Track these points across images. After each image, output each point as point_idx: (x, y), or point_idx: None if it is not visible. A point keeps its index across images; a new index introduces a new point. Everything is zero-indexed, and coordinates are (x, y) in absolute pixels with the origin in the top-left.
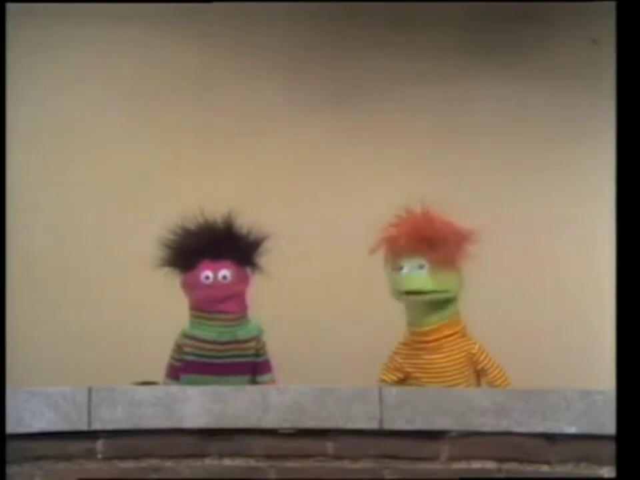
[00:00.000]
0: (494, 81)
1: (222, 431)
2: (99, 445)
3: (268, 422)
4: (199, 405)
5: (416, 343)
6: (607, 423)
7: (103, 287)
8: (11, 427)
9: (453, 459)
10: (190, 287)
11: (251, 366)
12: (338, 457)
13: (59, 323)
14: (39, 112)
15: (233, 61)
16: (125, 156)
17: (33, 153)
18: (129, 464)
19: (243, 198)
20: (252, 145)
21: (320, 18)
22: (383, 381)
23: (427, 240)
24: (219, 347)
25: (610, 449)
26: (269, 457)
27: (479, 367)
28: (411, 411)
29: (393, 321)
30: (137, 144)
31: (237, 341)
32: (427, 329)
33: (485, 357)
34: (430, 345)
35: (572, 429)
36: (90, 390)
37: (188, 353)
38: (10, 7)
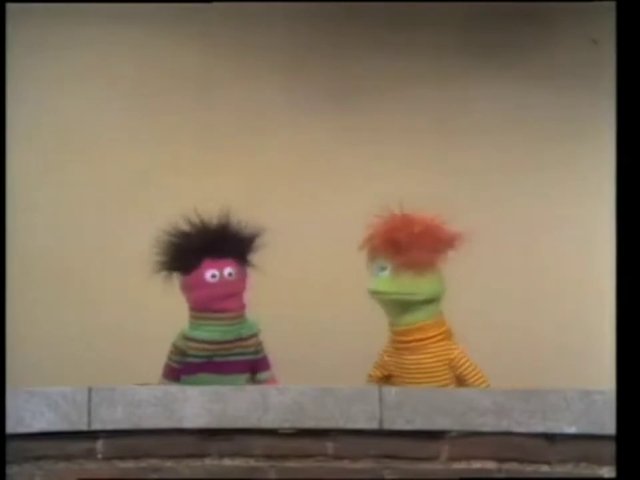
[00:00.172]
0: (494, 80)
1: (222, 431)
2: (99, 445)
3: (268, 422)
4: (199, 405)
5: (396, 343)
6: (607, 423)
7: (103, 287)
8: (11, 427)
9: (453, 458)
10: (192, 287)
11: (251, 363)
12: (338, 457)
13: (58, 323)
14: (38, 112)
15: (232, 61)
16: (125, 156)
17: (33, 153)
18: (129, 464)
19: (242, 198)
20: (252, 145)
21: (320, 18)
22: (370, 376)
23: (393, 243)
24: (224, 346)
25: (610, 449)
26: (268, 456)
27: (457, 372)
28: (410, 411)
29: None
30: (137, 144)
31: (239, 339)
32: (403, 328)
33: (464, 363)
34: (409, 345)
35: (572, 429)
36: (90, 390)
37: (189, 355)
38: (10, 6)
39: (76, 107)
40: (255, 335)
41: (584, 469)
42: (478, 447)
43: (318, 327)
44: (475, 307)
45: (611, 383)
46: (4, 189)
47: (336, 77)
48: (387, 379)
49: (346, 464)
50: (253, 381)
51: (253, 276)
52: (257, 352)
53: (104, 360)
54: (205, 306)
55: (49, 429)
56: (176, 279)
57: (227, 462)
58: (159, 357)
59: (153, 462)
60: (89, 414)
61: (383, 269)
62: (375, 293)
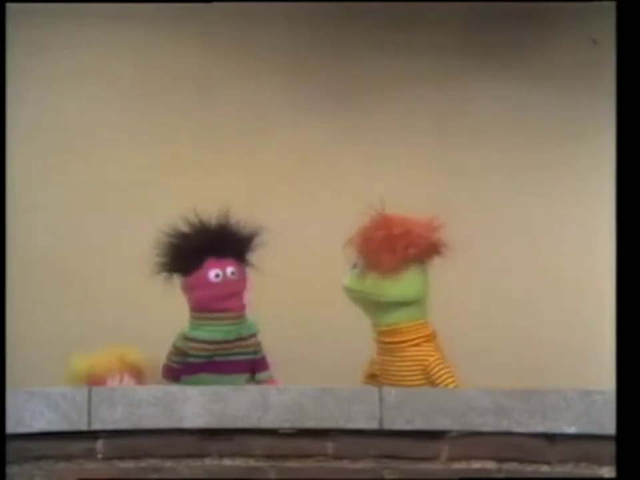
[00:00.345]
0: (494, 80)
1: (222, 430)
2: (99, 445)
3: (268, 422)
4: (199, 405)
5: (378, 343)
6: (607, 423)
7: (103, 287)
8: (11, 427)
9: (453, 458)
10: (195, 287)
11: (250, 363)
12: (338, 457)
13: (58, 323)
14: (39, 112)
15: (233, 61)
16: (125, 156)
17: (33, 153)
18: (129, 464)
19: (242, 198)
20: (252, 145)
21: (320, 18)
22: (364, 371)
23: (367, 242)
24: (224, 346)
25: (610, 449)
26: (269, 456)
27: (431, 379)
28: (410, 411)
29: None
30: (137, 144)
31: (240, 339)
32: (380, 329)
33: (438, 371)
34: (386, 346)
35: (572, 429)
36: (90, 390)
37: (189, 355)
38: (10, 6)
39: (76, 107)
40: (254, 335)
41: (584, 469)
42: (478, 446)
43: (318, 327)
44: (475, 307)
45: (611, 383)
46: (4, 189)
47: (336, 77)
48: (375, 377)
49: (346, 464)
50: (252, 381)
51: (252, 276)
52: (256, 352)
53: None
54: (206, 306)
55: (49, 429)
56: (176, 279)
57: (227, 462)
58: (159, 357)
59: (153, 462)
60: (89, 414)
61: (355, 266)
62: (344, 289)
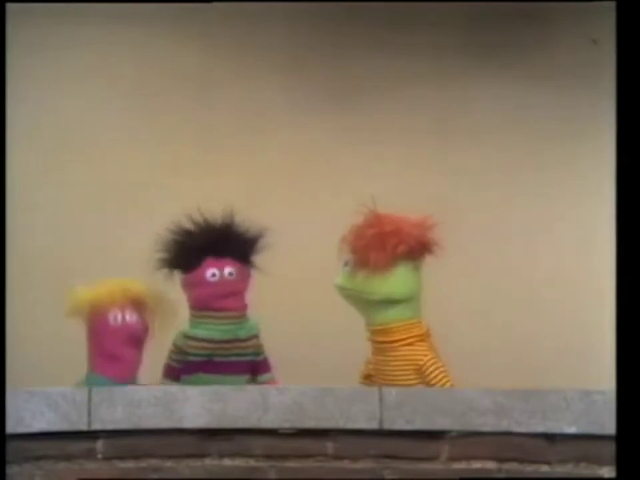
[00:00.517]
0: (494, 80)
1: (222, 430)
2: (99, 445)
3: (268, 422)
4: (199, 405)
5: (372, 342)
6: (607, 423)
7: None
8: (11, 427)
9: (453, 458)
10: (193, 285)
11: (251, 365)
12: (338, 457)
13: (58, 323)
14: (39, 112)
15: (233, 61)
16: (125, 156)
17: (33, 152)
18: (129, 464)
19: (242, 198)
20: (252, 145)
21: (320, 18)
22: (361, 371)
23: (357, 239)
24: (223, 346)
25: (610, 449)
26: (269, 456)
27: (425, 379)
28: (410, 411)
29: None
30: (137, 144)
31: (237, 340)
32: (376, 328)
33: (432, 372)
34: (379, 345)
35: (572, 429)
36: (90, 390)
37: (189, 354)
38: (10, 6)
39: (76, 106)
40: (254, 337)
41: (584, 469)
42: (478, 446)
43: (318, 327)
44: (474, 307)
45: (611, 383)
46: (4, 189)
47: (336, 76)
48: (370, 377)
49: (346, 464)
50: (254, 382)
51: (255, 276)
52: (256, 354)
53: None
54: (205, 304)
55: (49, 429)
56: (177, 277)
57: (227, 462)
58: (159, 357)
59: (153, 462)
60: (89, 414)
61: (347, 264)
62: (336, 287)
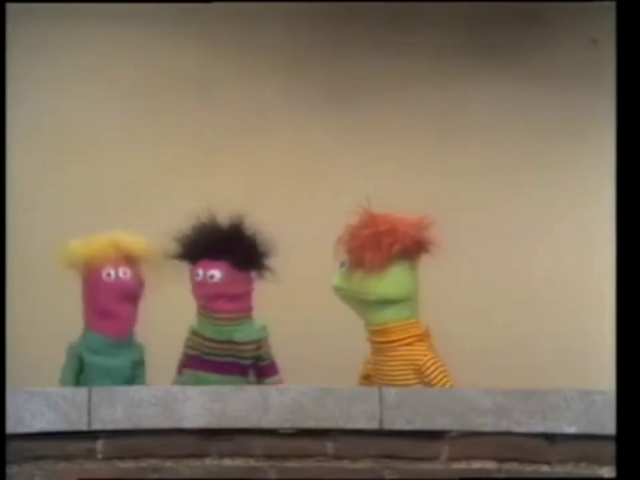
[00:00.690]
0: (494, 80)
1: (222, 430)
2: (99, 445)
3: (268, 422)
4: (199, 405)
5: (370, 342)
6: (607, 423)
7: None
8: (11, 427)
9: (453, 458)
10: (190, 282)
11: (250, 368)
12: (338, 457)
13: (59, 323)
14: (39, 112)
15: (233, 61)
16: (125, 156)
17: (33, 153)
18: (129, 464)
19: (243, 198)
20: (252, 145)
21: (320, 18)
22: (360, 372)
23: (353, 239)
24: (215, 345)
25: (610, 449)
26: (269, 457)
27: (425, 380)
28: (410, 411)
29: None
30: (137, 144)
31: (231, 342)
32: (374, 328)
33: (433, 372)
34: (378, 346)
35: (572, 429)
36: (90, 390)
37: (190, 347)
38: (10, 6)
39: (76, 107)
40: (254, 342)
41: (584, 469)
42: (478, 446)
43: (318, 327)
44: (474, 307)
45: (611, 383)
46: (4, 189)
47: (336, 76)
48: (369, 378)
49: (346, 464)
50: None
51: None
52: (258, 358)
53: None
54: (198, 302)
55: (49, 429)
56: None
57: (227, 462)
58: (160, 357)
59: (153, 462)
60: (89, 414)
61: (342, 264)
62: (333, 288)
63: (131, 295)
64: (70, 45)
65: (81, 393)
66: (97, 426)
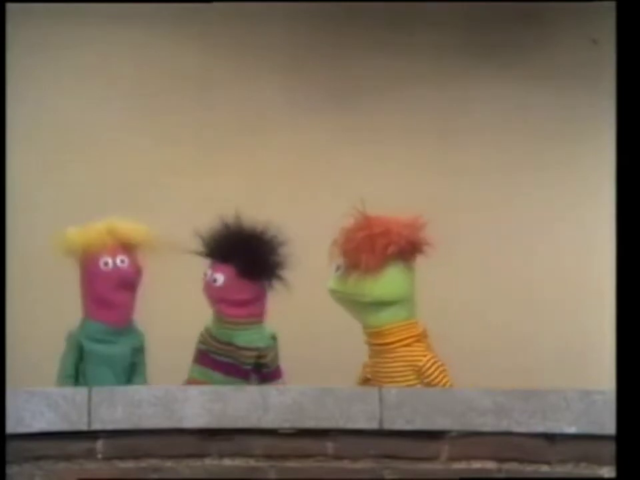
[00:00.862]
0: (494, 80)
1: (222, 430)
2: (99, 445)
3: (268, 422)
4: (199, 405)
5: (368, 345)
6: (607, 423)
7: None
8: (11, 427)
9: (453, 458)
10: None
11: (251, 372)
12: (338, 457)
13: (58, 323)
14: (39, 112)
15: (233, 61)
16: (125, 156)
17: (33, 153)
18: (129, 464)
19: (243, 198)
20: (252, 145)
21: (320, 18)
22: (358, 376)
23: (348, 242)
24: (218, 345)
25: (610, 449)
26: (269, 457)
27: (425, 380)
28: (411, 411)
29: None
30: (137, 144)
31: (232, 345)
32: (372, 330)
33: (433, 372)
34: (378, 348)
35: (572, 429)
36: (90, 390)
37: (202, 342)
38: (10, 6)
39: (76, 107)
40: (257, 349)
41: (584, 469)
42: (478, 446)
43: (318, 327)
44: (474, 307)
45: (611, 383)
46: (4, 189)
47: (336, 76)
48: (368, 381)
49: (346, 464)
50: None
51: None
52: (261, 365)
53: None
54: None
55: (49, 429)
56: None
57: (227, 462)
58: (160, 357)
59: (153, 462)
60: (89, 414)
61: (338, 268)
62: (328, 291)
63: (129, 283)
64: (70, 44)
65: (81, 392)
66: (96, 426)
